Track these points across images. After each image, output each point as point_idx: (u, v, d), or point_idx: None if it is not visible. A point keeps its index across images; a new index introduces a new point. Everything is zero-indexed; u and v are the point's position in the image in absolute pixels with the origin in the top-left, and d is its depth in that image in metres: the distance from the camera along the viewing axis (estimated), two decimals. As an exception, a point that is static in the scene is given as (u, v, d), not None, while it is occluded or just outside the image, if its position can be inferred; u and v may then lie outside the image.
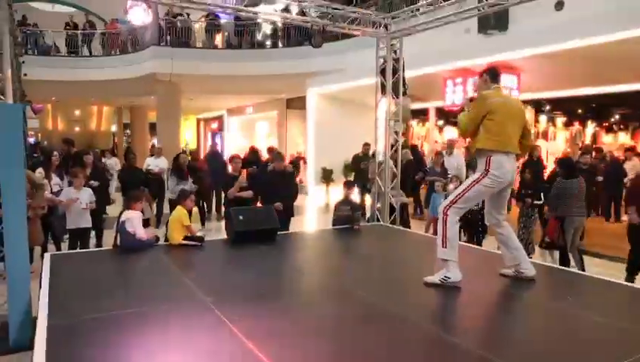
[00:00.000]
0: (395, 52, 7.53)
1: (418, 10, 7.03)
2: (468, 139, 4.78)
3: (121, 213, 5.48)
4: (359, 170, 10.92)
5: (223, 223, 11.00)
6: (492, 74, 4.45)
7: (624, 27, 8.01)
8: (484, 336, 3.32)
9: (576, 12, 8.87)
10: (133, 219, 5.41)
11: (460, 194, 4.32)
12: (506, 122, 4.17)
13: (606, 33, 8.41)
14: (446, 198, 7.41)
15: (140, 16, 6.10)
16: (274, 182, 6.86)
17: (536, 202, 7.31)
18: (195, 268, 5.05)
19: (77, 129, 26.97)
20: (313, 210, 13.56)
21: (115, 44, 18.42)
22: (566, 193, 6.57)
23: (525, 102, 14.71)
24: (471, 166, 7.64)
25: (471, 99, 4.40)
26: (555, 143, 16.14)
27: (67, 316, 3.39)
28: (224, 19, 16.40)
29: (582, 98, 13.61)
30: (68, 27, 18.87)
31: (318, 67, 14.80)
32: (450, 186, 7.58)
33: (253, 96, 21.76)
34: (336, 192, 14.70)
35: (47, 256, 5.00)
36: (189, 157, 10.12)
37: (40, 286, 4.06)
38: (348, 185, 7.45)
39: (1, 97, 4.96)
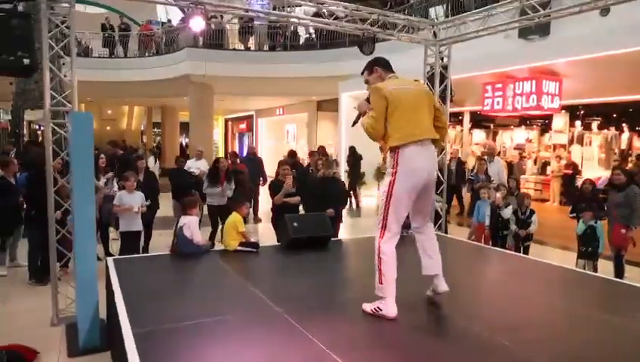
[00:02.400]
0: (442, 59, 7.51)
1: (468, 17, 7.02)
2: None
3: (179, 218, 5.57)
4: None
5: (259, 225, 11.20)
6: (383, 64, 3.87)
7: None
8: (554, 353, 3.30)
9: (621, 18, 8.73)
10: (190, 224, 5.50)
11: (382, 218, 3.65)
12: (409, 108, 3.59)
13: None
14: (492, 206, 7.48)
15: (200, 25, 6.27)
16: (323, 188, 6.90)
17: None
18: (257, 275, 5.09)
19: (108, 128, 27.46)
20: (345, 214, 13.51)
21: (149, 46, 18.72)
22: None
23: (563, 108, 14.53)
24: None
25: (368, 100, 3.74)
26: (590, 149, 15.92)
27: (147, 323, 3.45)
28: (257, 21, 16.50)
29: (618, 103, 13.39)
30: (104, 28, 19.19)
31: (351, 70, 14.71)
32: (497, 195, 7.48)
33: (284, 98, 21.87)
34: (368, 195, 14.70)
35: (109, 260, 5.11)
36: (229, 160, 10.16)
37: (113, 292, 4.15)
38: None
39: (69, 104, 5.08)
